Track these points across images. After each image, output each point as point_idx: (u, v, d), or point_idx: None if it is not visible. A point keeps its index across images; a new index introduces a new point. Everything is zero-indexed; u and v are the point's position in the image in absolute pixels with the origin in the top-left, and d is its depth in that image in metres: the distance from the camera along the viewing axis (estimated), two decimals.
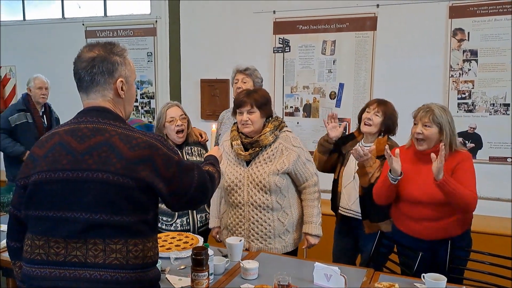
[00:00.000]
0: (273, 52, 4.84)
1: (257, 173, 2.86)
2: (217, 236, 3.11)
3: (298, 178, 2.94)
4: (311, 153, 3.12)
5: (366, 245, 3.06)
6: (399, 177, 2.75)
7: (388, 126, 3.09)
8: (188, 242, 2.80)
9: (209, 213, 3.18)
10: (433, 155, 2.60)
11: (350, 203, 3.15)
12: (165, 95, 5.49)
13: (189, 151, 3.23)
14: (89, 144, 1.61)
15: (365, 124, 3.11)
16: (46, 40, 6.01)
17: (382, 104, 3.10)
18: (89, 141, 1.62)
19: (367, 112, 3.12)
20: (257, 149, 2.88)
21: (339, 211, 3.23)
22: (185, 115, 3.22)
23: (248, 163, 2.92)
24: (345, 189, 3.18)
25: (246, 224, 2.92)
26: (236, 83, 3.63)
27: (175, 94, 5.41)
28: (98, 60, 1.69)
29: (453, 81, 4.22)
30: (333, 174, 3.32)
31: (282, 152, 2.88)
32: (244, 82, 3.58)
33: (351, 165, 3.15)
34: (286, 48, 4.78)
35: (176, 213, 3.07)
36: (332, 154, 3.25)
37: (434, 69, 4.28)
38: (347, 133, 3.29)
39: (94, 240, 1.58)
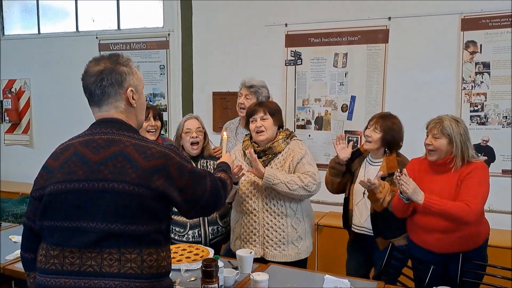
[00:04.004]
0: (285, 65, 4.86)
1: None
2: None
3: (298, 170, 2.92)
4: (321, 169, 3.09)
5: (380, 259, 3.02)
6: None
7: (388, 142, 3.01)
8: (198, 254, 2.80)
9: (221, 225, 3.21)
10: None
11: (362, 221, 3.11)
12: (177, 108, 5.50)
13: (204, 164, 3.24)
14: (104, 155, 1.63)
15: (366, 140, 3.08)
16: (60, 53, 6.08)
17: (382, 119, 3.03)
18: (104, 151, 1.64)
19: (368, 128, 3.08)
20: (270, 156, 2.94)
21: (352, 228, 3.19)
22: (203, 128, 3.26)
23: None
24: (357, 207, 3.15)
25: (261, 230, 2.94)
26: (240, 96, 3.60)
27: (188, 107, 5.43)
28: (106, 73, 1.72)
29: (465, 94, 4.20)
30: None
31: (289, 154, 2.94)
32: (248, 99, 3.54)
33: None
34: (298, 60, 4.80)
35: (188, 224, 3.09)
36: (344, 176, 3.19)
37: (446, 81, 4.26)
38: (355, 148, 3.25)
39: (109, 249, 1.59)
